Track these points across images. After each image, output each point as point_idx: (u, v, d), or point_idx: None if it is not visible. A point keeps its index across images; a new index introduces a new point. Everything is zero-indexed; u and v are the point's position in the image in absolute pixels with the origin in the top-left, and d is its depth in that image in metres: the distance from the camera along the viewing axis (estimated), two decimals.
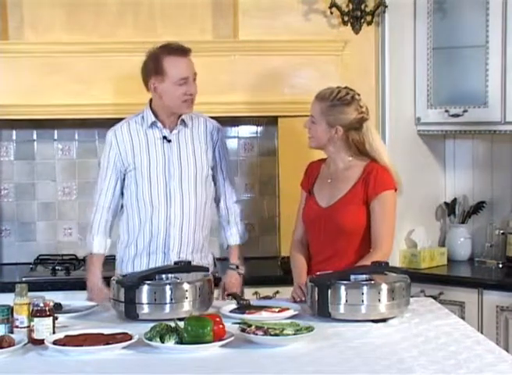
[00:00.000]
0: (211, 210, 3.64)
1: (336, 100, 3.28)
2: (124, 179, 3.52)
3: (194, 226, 3.51)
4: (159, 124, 3.48)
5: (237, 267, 3.56)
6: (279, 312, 2.97)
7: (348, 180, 3.32)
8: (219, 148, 3.60)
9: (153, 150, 3.48)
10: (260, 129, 4.71)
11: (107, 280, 3.34)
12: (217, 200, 3.65)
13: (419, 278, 4.03)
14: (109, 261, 3.68)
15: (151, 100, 3.51)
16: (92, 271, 3.54)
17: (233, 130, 4.71)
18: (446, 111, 4.31)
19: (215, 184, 3.62)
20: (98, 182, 3.56)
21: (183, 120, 3.50)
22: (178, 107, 3.44)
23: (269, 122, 4.59)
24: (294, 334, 2.65)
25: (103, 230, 3.53)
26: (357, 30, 4.44)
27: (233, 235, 3.68)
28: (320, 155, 3.49)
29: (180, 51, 3.42)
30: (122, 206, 3.58)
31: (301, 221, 3.46)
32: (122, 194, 3.55)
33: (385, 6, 4.38)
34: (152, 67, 3.41)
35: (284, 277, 4.09)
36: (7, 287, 3.69)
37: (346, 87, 3.36)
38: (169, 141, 3.49)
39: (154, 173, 3.48)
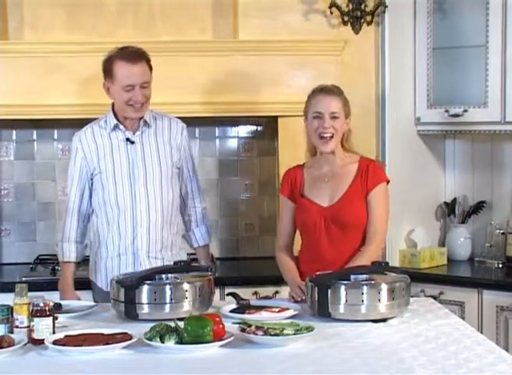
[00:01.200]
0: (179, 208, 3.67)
1: (342, 91, 3.37)
2: (92, 183, 3.54)
3: (162, 225, 3.52)
4: (121, 126, 3.51)
5: (211, 269, 3.52)
6: (279, 312, 2.97)
7: (347, 176, 3.34)
8: (184, 148, 3.62)
9: (117, 153, 3.50)
10: (260, 129, 4.72)
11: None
12: (184, 199, 3.66)
13: (419, 278, 4.03)
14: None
15: (113, 103, 3.52)
16: (63, 278, 3.56)
17: (233, 130, 4.71)
18: (446, 111, 4.31)
19: (181, 183, 3.63)
20: (67, 188, 3.60)
21: (145, 121, 3.52)
22: (124, 110, 3.46)
23: (269, 122, 4.59)
24: (294, 334, 2.64)
25: (74, 237, 3.55)
26: (357, 30, 4.44)
27: (203, 235, 3.70)
28: None
29: (133, 57, 3.40)
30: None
31: (287, 228, 3.46)
32: (91, 198, 3.57)
33: (385, 6, 4.38)
34: (106, 69, 3.45)
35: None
36: (7, 287, 3.69)
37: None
38: (133, 142, 3.51)
39: (119, 175, 3.50)
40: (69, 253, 3.55)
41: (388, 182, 3.39)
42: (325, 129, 3.30)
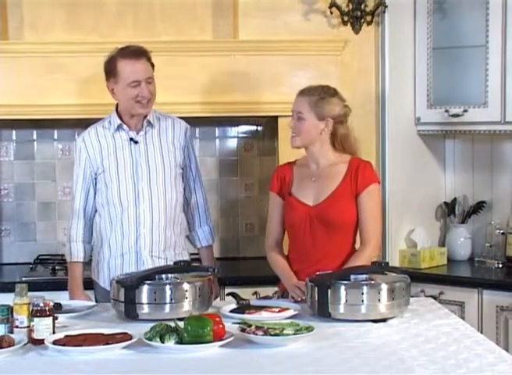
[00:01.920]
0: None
1: (323, 93, 3.34)
2: (96, 183, 3.55)
3: (165, 225, 3.52)
4: (125, 127, 3.51)
5: (214, 270, 3.50)
6: (279, 312, 2.97)
7: (335, 176, 3.34)
8: (188, 148, 3.63)
9: (120, 152, 3.51)
10: (260, 129, 4.72)
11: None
12: (187, 199, 3.66)
13: (419, 278, 4.03)
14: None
15: (117, 104, 3.53)
16: (72, 279, 3.56)
17: (233, 130, 4.71)
18: (446, 111, 4.31)
19: (184, 183, 3.64)
20: (73, 188, 3.60)
21: (149, 121, 3.52)
22: (132, 108, 3.46)
23: (269, 122, 4.59)
24: (294, 334, 2.64)
25: (81, 237, 3.55)
26: (357, 30, 4.44)
27: (206, 235, 3.70)
28: None
29: (134, 54, 3.43)
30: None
31: (276, 226, 3.46)
32: (96, 198, 3.58)
33: (385, 6, 4.38)
34: (108, 69, 3.46)
35: None
36: (7, 287, 3.69)
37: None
38: (136, 142, 3.51)
39: (123, 174, 3.50)
40: (78, 253, 3.54)
41: (379, 183, 3.38)
42: (291, 128, 3.36)
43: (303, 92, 3.36)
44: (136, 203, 3.50)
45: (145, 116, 3.51)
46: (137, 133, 3.52)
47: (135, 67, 3.41)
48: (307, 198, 3.36)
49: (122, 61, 3.42)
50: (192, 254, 3.77)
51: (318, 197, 3.34)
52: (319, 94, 3.33)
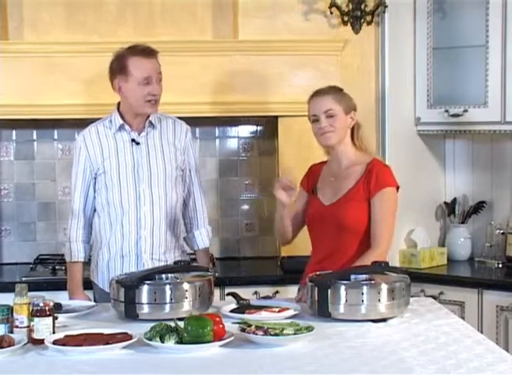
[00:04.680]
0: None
1: (336, 89, 3.36)
2: (96, 183, 3.53)
3: (166, 227, 3.52)
4: (127, 127, 3.50)
5: (209, 272, 3.38)
6: (279, 312, 2.96)
7: (351, 177, 3.32)
8: (188, 149, 3.62)
9: (122, 153, 3.50)
10: (260, 129, 4.72)
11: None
12: (185, 201, 3.65)
13: (419, 278, 4.03)
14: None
15: (118, 103, 3.52)
16: (72, 279, 3.55)
17: (233, 130, 4.71)
18: (446, 111, 4.31)
19: (183, 185, 3.63)
20: (72, 188, 3.59)
21: (150, 122, 3.51)
22: (141, 107, 3.44)
23: (269, 122, 4.59)
24: (294, 334, 2.64)
25: (81, 237, 3.54)
26: (357, 30, 4.44)
27: (203, 238, 3.68)
28: (321, 154, 3.49)
29: (145, 52, 3.43)
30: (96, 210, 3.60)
31: (292, 212, 3.43)
32: (95, 197, 3.56)
33: (385, 6, 4.38)
34: (117, 67, 3.44)
35: (284, 277, 4.10)
36: (7, 287, 3.68)
37: None
38: (138, 143, 3.50)
39: (124, 176, 3.49)
40: (78, 253, 3.53)
41: (397, 188, 3.31)
42: (322, 129, 3.30)
43: (320, 92, 3.33)
44: (137, 205, 3.49)
45: (147, 117, 3.51)
46: (139, 134, 3.51)
47: (147, 64, 3.41)
48: (325, 197, 3.36)
49: (134, 58, 3.40)
50: (190, 254, 3.77)
51: (333, 197, 3.34)
52: (335, 92, 3.34)
